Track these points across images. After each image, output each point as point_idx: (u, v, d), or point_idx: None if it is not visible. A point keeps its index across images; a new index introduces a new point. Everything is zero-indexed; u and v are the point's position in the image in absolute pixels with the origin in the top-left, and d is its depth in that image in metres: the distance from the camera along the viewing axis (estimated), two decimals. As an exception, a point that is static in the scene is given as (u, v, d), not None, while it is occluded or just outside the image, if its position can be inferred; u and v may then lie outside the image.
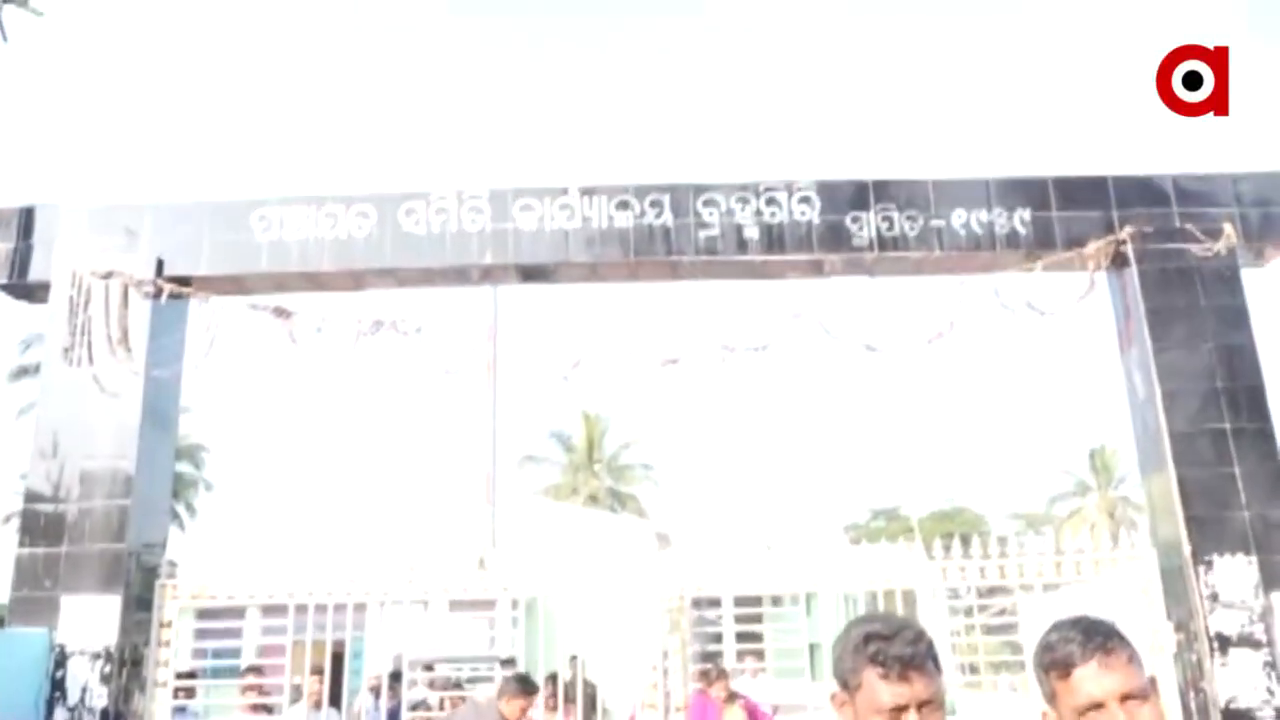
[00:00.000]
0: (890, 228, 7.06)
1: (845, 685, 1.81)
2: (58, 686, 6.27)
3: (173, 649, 6.60)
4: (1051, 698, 1.82)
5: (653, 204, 7.15)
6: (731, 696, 7.72)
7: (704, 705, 7.45)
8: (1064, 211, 7.05)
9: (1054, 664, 1.80)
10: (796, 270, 7.26)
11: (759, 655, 7.96)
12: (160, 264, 7.09)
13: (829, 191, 7.17)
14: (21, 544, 6.62)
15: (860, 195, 7.14)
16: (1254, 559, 6.26)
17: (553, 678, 7.93)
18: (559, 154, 67.92)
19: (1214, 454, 6.48)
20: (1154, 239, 6.87)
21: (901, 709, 1.71)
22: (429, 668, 9.69)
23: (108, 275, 6.99)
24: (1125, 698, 1.72)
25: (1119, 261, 6.95)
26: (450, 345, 7.14)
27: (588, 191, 7.18)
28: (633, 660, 7.97)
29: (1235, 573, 6.24)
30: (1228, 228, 6.81)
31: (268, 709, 7.33)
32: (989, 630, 6.86)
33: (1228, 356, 6.66)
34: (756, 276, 7.42)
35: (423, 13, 76.92)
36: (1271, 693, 6.06)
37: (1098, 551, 6.56)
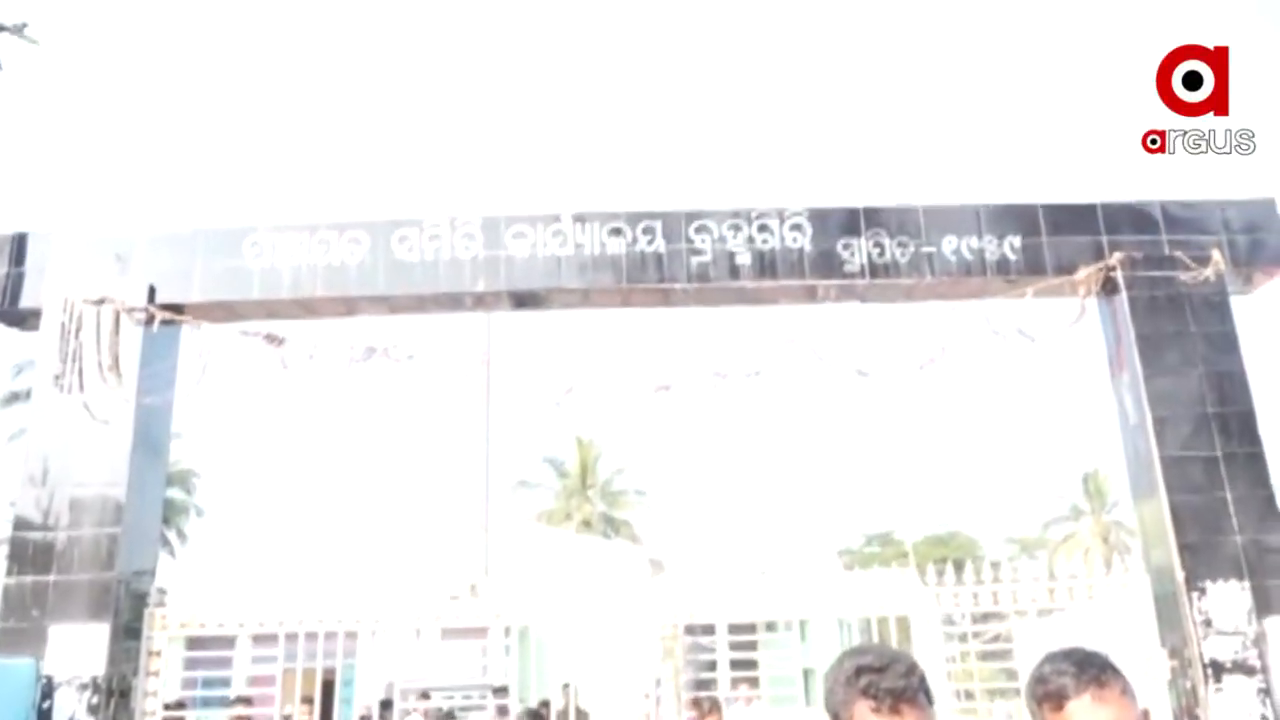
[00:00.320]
0: (881, 254, 7.09)
1: (837, 717, 1.81)
2: (44, 718, 6.18)
3: (161, 679, 6.54)
4: (1045, 730, 1.82)
5: (645, 230, 7.17)
6: (725, 727, 7.66)
7: (697, 735, 7.39)
8: (1054, 238, 7.10)
9: (1048, 696, 1.80)
10: (788, 296, 7.29)
11: (753, 682, 7.92)
12: (152, 290, 7.08)
13: (820, 218, 7.20)
14: (10, 573, 6.55)
15: (852, 222, 7.17)
16: (1247, 584, 6.25)
17: (545, 705, 7.88)
18: (552, 181, 68.21)
19: (1206, 479, 6.48)
20: (1143, 265, 6.91)
21: (894, 742, 1.71)
22: (425, 695, 9.60)
23: (99, 302, 6.98)
24: (1119, 730, 1.71)
25: (1109, 288, 6.99)
26: (443, 372, 7.14)
27: (580, 218, 7.21)
28: (626, 688, 7.92)
29: (1228, 599, 6.23)
30: (1216, 254, 6.86)
31: (257, 739, 7.26)
32: (984, 656, 6.83)
33: (1218, 382, 6.69)
34: (749, 303, 7.44)
35: (416, 40, 77.40)
36: (1266, 719, 6.04)
37: (1091, 577, 6.56)
